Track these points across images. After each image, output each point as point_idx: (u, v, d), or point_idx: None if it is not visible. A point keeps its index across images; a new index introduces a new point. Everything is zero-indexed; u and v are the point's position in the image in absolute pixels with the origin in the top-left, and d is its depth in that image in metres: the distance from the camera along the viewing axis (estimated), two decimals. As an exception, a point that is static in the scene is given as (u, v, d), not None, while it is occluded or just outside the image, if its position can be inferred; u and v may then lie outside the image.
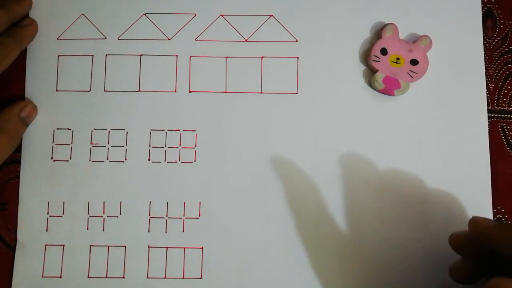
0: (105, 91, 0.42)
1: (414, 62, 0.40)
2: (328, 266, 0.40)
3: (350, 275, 0.39)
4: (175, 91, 0.42)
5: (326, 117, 0.41)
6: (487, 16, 0.42)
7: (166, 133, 0.41)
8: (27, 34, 0.41)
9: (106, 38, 0.42)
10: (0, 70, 0.38)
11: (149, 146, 0.41)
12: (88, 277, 0.40)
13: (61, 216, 0.40)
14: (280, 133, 0.41)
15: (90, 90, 0.42)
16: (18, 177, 0.41)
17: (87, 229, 0.40)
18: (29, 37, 0.41)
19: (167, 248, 0.40)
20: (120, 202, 0.40)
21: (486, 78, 0.41)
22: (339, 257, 0.40)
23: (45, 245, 0.40)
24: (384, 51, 0.40)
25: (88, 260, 0.40)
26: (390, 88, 0.40)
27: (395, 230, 0.40)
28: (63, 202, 0.41)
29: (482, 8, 0.42)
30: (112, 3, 0.43)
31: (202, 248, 0.40)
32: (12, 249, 0.40)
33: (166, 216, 0.40)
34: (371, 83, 0.41)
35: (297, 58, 0.42)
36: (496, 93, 0.41)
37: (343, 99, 0.41)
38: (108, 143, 0.41)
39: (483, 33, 0.42)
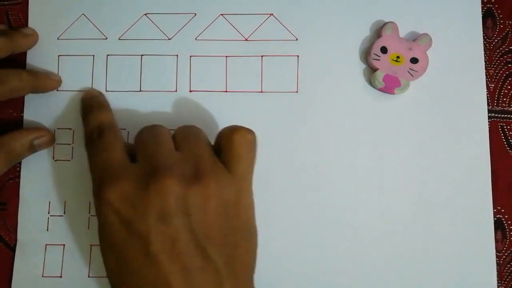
0: (106, 91, 0.42)
1: (414, 60, 0.40)
2: (328, 265, 0.39)
3: (349, 274, 0.39)
4: (176, 91, 0.42)
5: (327, 116, 0.41)
6: (487, 16, 0.42)
7: (167, 132, 0.41)
8: (48, 84, 0.41)
9: (107, 38, 0.42)
10: (8, 98, 0.39)
11: (150, 146, 0.41)
12: (89, 276, 0.40)
13: (62, 216, 0.40)
14: (280, 132, 0.41)
15: (91, 90, 0.42)
16: (17, 177, 0.41)
17: (88, 228, 0.40)
18: (47, 88, 0.41)
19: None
20: (121, 201, 0.40)
21: (486, 78, 0.41)
22: (338, 257, 0.40)
23: (46, 244, 0.40)
24: (384, 50, 0.40)
25: (89, 260, 0.40)
26: (390, 87, 0.40)
27: (395, 230, 0.40)
28: (64, 202, 0.41)
29: (482, 8, 0.42)
30: (112, 3, 0.43)
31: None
32: (12, 249, 0.40)
33: (167, 215, 0.40)
34: (371, 82, 0.41)
35: (297, 56, 0.42)
36: (496, 93, 0.41)
37: (343, 97, 0.41)
38: (109, 143, 0.41)
39: (483, 33, 0.42)
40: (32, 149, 0.40)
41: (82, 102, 0.41)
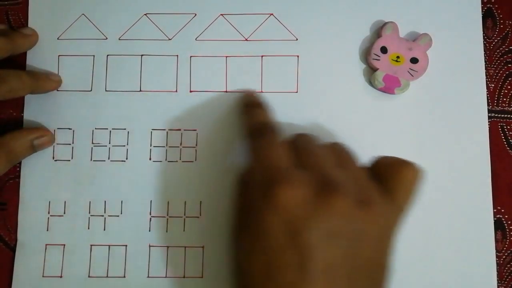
0: (106, 91, 0.42)
1: (414, 60, 0.40)
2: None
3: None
4: (176, 91, 0.42)
5: (326, 116, 0.41)
6: (487, 16, 0.42)
7: (167, 132, 0.41)
8: (48, 85, 0.41)
9: (107, 38, 0.42)
10: (7, 98, 0.38)
11: (150, 146, 0.41)
12: (89, 276, 0.40)
13: (62, 216, 0.40)
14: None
15: (91, 90, 0.42)
16: (17, 177, 0.41)
17: (88, 228, 0.40)
18: (47, 88, 0.41)
19: (168, 247, 0.40)
20: (121, 201, 0.40)
21: (486, 78, 0.41)
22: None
23: (46, 244, 0.40)
24: (384, 50, 0.40)
25: (89, 260, 0.40)
26: (390, 87, 0.40)
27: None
28: (64, 202, 0.41)
29: (482, 8, 0.42)
30: (112, 3, 0.43)
31: (203, 247, 0.40)
32: (12, 249, 0.40)
33: (167, 215, 0.40)
34: (371, 82, 0.41)
35: (297, 56, 0.42)
36: (496, 93, 0.41)
37: (343, 97, 0.41)
38: (109, 143, 0.41)
39: (483, 33, 0.42)
40: (32, 149, 0.40)
41: (246, 97, 0.41)
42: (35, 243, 0.40)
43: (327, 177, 0.30)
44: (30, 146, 0.39)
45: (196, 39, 0.42)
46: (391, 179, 0.32)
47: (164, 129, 0.41)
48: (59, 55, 0.42)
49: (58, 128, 0.41)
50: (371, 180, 0.33)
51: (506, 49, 0.42)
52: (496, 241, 0.40)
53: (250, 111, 0.39)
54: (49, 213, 0.41)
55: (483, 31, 0.42)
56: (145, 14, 0.42)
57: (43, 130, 0.41)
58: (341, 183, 0.30)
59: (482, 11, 0.42)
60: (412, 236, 0.40)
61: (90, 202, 0.41)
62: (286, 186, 0.29)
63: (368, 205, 0.30)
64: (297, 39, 0.42)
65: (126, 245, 0.40)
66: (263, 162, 0.32)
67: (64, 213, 0.40)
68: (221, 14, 0.42)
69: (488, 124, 0.41)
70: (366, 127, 0.41)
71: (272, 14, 0.42)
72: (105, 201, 0.41)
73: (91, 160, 0.41)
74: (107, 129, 0.41)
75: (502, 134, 0.41)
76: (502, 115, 0.41)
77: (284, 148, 0.34)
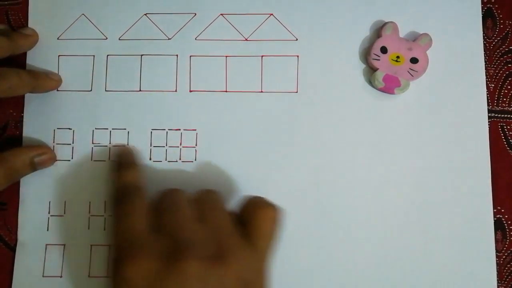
0: (106, 91, 0.42)
1: (414, 60, 0.40)
2: (327, 265, 0.39)
3: (349, 274, 0.39)
4: (176, 91, 0.42)
5: (326, 116, 0.41)
6: (487, 16, 0.42)
7: (167, 132, 0.41)
8: (48, 84, 0.41)
9: (107, 38, 0.42)
10: (7, 95, 0.38)
11: (150, 146, 0.41)
12: (89, 276, 0.40)
13: (62, 216, 0.40)
14: (280, 132, 0.41)
15: (91, 90, 0.42)
16: (18, 177, 0.41)
17: (88, 228, 0.40)
18: (47, 87, 0.41)
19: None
20: (121, 201, 0.40)
21: (486, 78, 0.41)
22: (338, 257, 0.40)
23: (46, 244, 0.40)
24: (384, 50, 0.40)
25: (89, 260, 0.40)
26: (390, 87, 0.40)
27: (395, 230, 0.40)
28: (64, 202, 0.41)
29: (482, 8, 0.42)
30: (112, 3, 0.43)
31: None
32: (12, 249, 0.40)
33: (167, 215, 0.40)
34: (371, 82, 0.41)
35: (297, 56, 0.42)
36: (496, 93, 0.41)
37: (343, 97, 0.41)
38: (110, 143, 0.41)
39: (483, 33, 0.42)
40: (33, 166, 0.39)
41: (112, 158, 0.41)
42: (35, 243, 0.40)
43: (178, 242, 0.30)
44: (31, 163, 0.39)
45: (196, 39, 0.42)
46: (250, 221, 0.33)
47: (164, 129, 0.41)
48: (59, 55, 0.42)
49: (58, 128, 0.41)
50: (235, 226, 0.33)
51: (506, 49, 0.42)
52: (496, 241, 0.40)
53: (113, 174, 0.38)
54: (49, 213, 0.41)
55: (483, 31, 0.42)
56: (145, 14, 0.42)
57: (44, 147, 0.41)
58: (192, 244, 0.30)
59: (482, 11, 0.42)
60: (412, 236, 0.40)
61: (90, 202, 0.41)
62: (133, 260, 0.30)
63: (222, 258, 0.30)
64: (297, 39, 0.42)
65: (126, 245, 0.40)
66: (115, 234, 0.32)
67: (64, 213, 0.40)
68: (221, 14, 0.42)
69: (488, 124, 0.41)
70: (366, 127, 0.41)
71: (272, 14, 0.42)
72: (105, 201, 0.40)
73: (91, 160, 0.41)
74: (107, 129, 0.41)
75: (502, 134, 0.41)
76: (502, 115, 0.41)
77: (145, 212, 0.33)
